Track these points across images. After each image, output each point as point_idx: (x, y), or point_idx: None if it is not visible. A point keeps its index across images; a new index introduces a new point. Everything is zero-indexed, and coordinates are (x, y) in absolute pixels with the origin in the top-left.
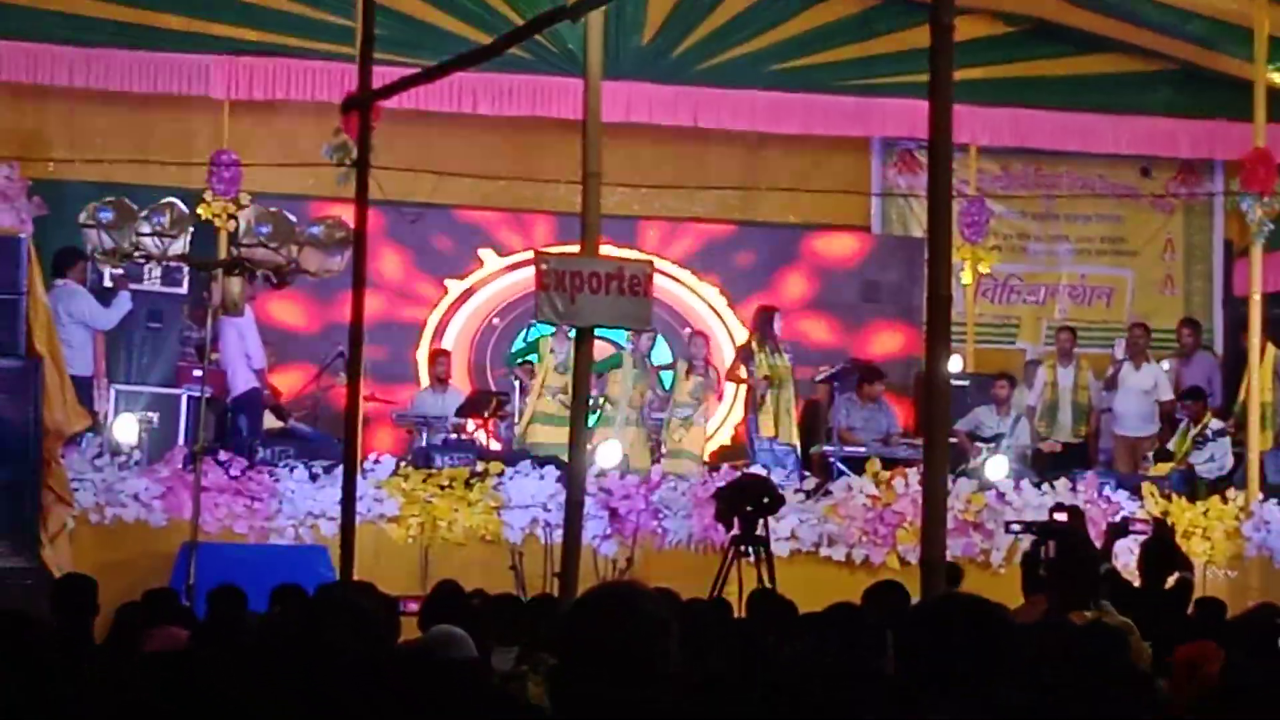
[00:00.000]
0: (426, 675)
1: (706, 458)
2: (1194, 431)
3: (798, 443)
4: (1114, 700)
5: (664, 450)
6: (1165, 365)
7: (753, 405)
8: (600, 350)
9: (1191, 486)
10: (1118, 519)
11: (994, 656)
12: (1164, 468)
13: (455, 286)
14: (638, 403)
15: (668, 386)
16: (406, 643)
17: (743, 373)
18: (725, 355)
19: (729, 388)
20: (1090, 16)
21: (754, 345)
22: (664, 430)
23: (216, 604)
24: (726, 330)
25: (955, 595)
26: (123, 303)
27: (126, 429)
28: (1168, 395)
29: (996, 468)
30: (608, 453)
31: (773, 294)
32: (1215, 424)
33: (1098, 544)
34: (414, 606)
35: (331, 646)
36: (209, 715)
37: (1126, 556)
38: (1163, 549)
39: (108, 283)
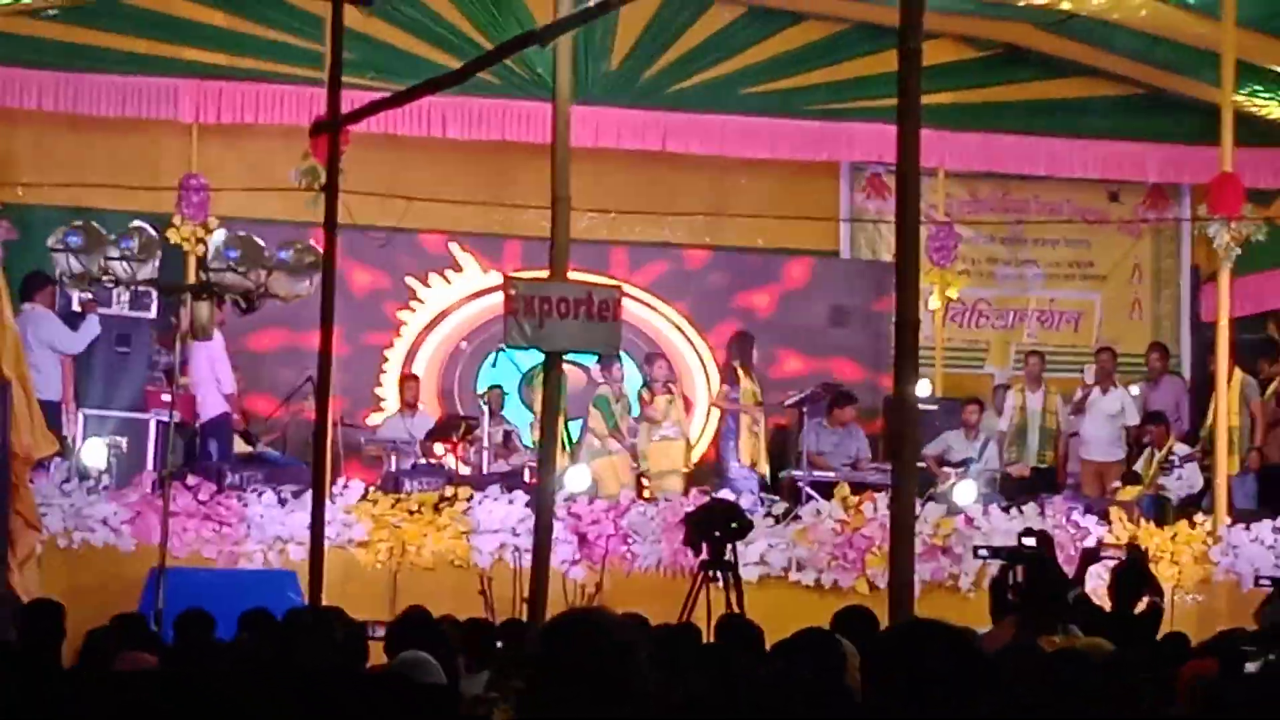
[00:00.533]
0: (395, 698)
1: (687, 469)
2: (1158, 456)
3: (767, 468)
4: None
5: (648, 476)
6: (1134, 390)
7: (729, 431)
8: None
9: (1160, 511)
10: (1091, 544)
11: (964, 680)
12: (1132, 491)
13: (423, 312)
14: (621, 431)
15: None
16: (375, 668)
17: (727, 398)
18: (695, 379)
19: (700, 411)
20: (1058, 41)
21: (738, 370)
22: (641, 458)
23: (184, 628)
24: (696, 354)
25: (922, 620)
26: (91, 326)
27: (95, 453)
28: (1134, 420)
29: (965, 493)
30: (576, 478)
31: (741, 319)
32: (1180, 448)
33: (1069, 569)
34: (382, 631)
35: (301, 669)
36: None
37: (1095, 581)
38: (1135, 573)
39: (76, 307)
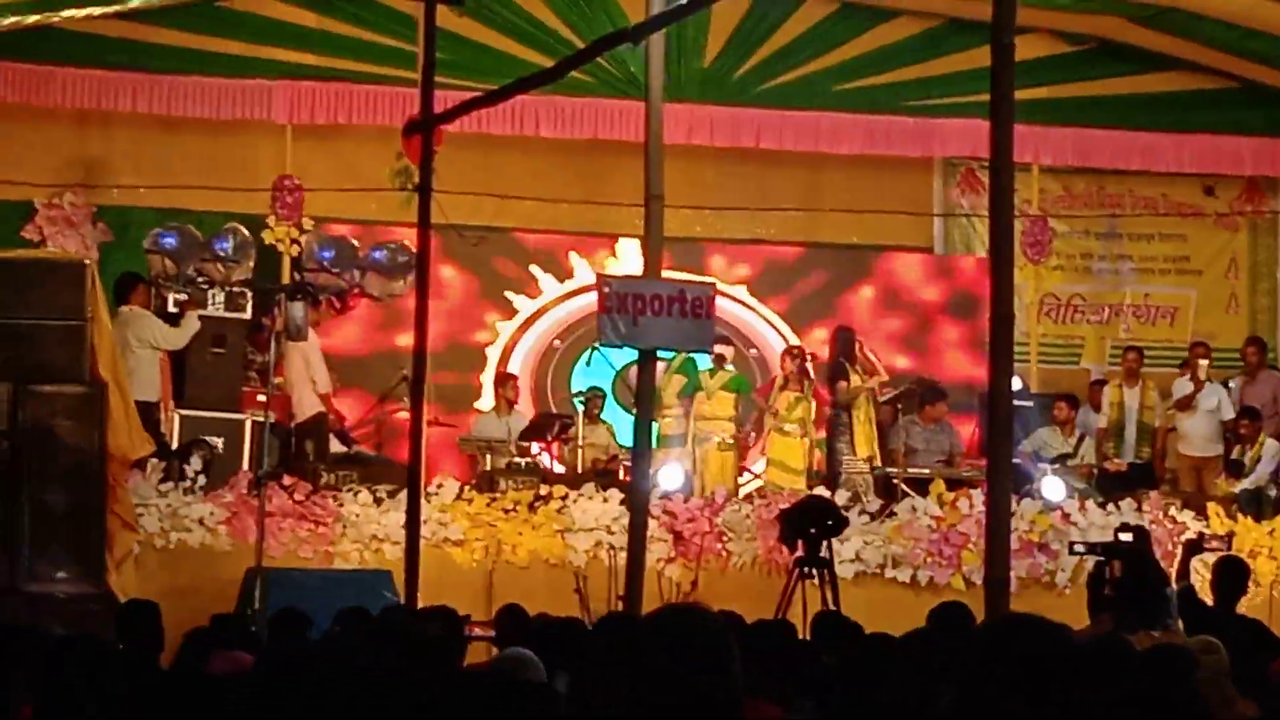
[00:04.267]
0: (493, 697)
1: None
2: (1250, 452)
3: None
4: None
5: (765, 456)
6: (1232, 384)
7: (841, 426)
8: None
9: (1258, 506)
10: (1194, 536)
11: (1060, 675)
12: (1233, 484)
13: (522, 309)
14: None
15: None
16: (474, 666)
17: (842, 394)
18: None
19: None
20: (1152, 35)
21: (845, 365)
22: (764, 438)
23: (280, 628)
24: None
25: (1018, 615)
26: (191, 323)
27: (191, 455)
28: (1230, 415)
29: (1053, 488)
30: (670, 475)
31: (838, 316)
32: (1271, 445)
33: (1168, 563)
34: (476, 631)
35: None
36: None
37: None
38: (1236, 567)
39: (172, 308)
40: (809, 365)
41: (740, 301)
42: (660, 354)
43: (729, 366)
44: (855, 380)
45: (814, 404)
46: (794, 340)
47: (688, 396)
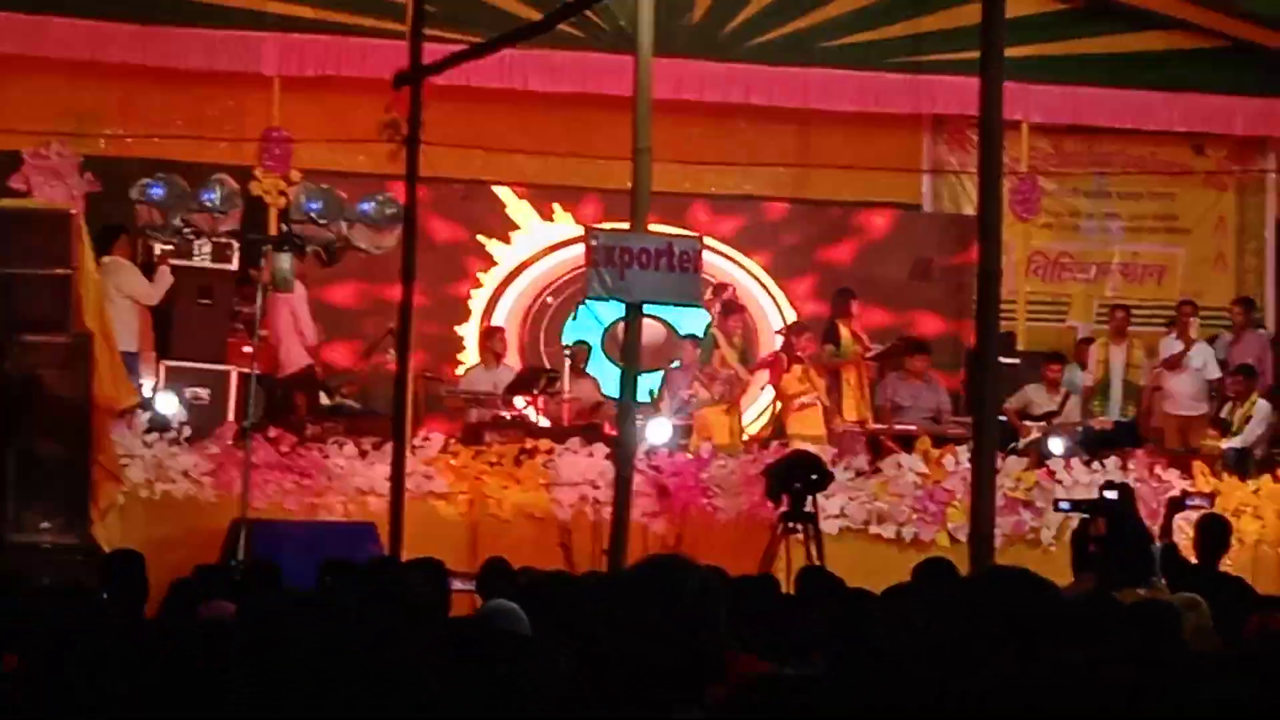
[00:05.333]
0: (474, 646)
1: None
2: (1241, 410)
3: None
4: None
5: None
6: (1216, 343)
7: (831, 388)
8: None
9: (1243, 465)
10: (1177, 494)
11: (1044, 627)
12: (1220, 442)
13: (503, 263)
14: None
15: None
16: (459, 618)
17: (830, 356)
18: (772, 332)
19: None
20: None
21: (838, 326)
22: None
23: (250, 580)
24: (776, 307)
25: (1003, 567)
26: (164, 278)
27: (175, 405)
28: (1215, 374)
29: (1056, 444)
30: (657, 430)
31: (822, 271)
32: (1263, 405)
33: (1152, 521)
34: (458, 584)
35: (379, 616)
36: (259, 680)
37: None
38: (1219, 525)
39: (157, 259)
40: (794, 340)
41: (725, 255)
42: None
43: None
44: (846, 343)
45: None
46: (779, 294)
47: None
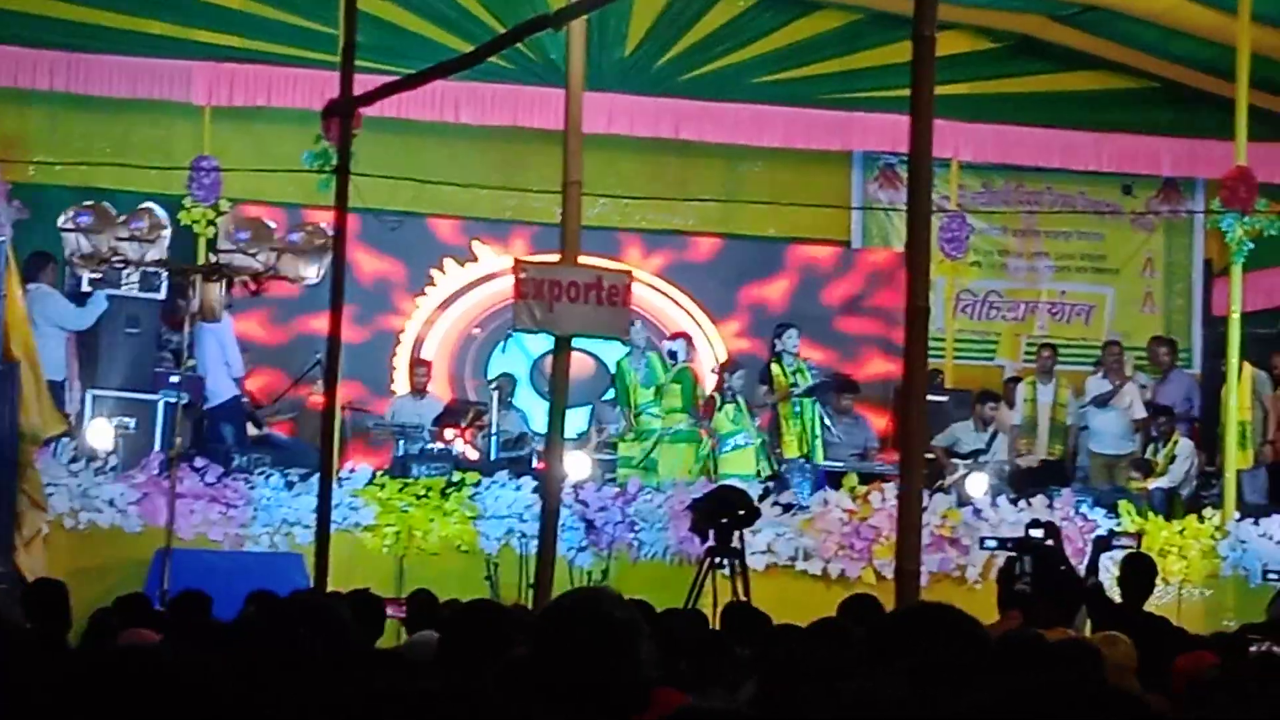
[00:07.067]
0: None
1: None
2: (1165, 450)
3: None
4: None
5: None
6: (1141, 379)
7: (771, 426)
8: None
9: (1169, 505)
10: (1104, 533)
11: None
12: (1147, 482)
13: (432, 296)
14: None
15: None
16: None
17: (760, 396)
18: (704, 366)
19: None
20: (1073, 33)
21: (771, 367)
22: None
23: (180, 609)
24: (708, 342)
25: (928, 604)
26: (98, 303)
27: (102, 434)
28: (1141, 413)
29: (977, 484)
30: (577, 464)
31: (752, 307)
32: (1185, 445)
33: (1078, 560)
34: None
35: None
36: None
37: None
38: (1146, 563)
39: (86, 287)
40: (728, 377)
41: (657, 290)
42: (574, 343)
43: (682, 360)
44: (779, 381)
45: (747, 408)
46: (710, 329)
47: (627, 405)
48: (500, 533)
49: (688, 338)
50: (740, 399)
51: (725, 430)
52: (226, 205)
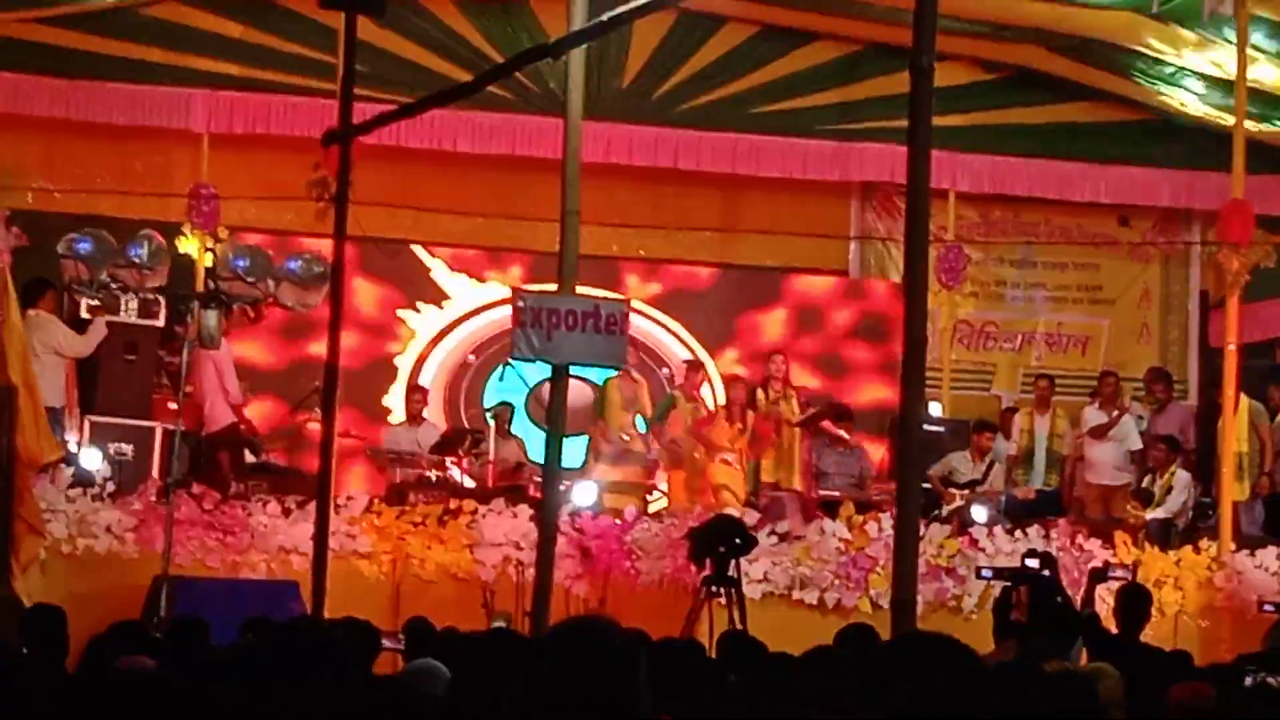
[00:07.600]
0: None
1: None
2: (1162, 481)
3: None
4: None
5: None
6: (1138, 410)
7: (756, 451)
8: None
9: (1165, 536)
10: (1099, 564)
11: (963, 693)
12: (1144, 513)
13: (430, 324)
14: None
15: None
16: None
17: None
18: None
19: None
20: (1071, 65)
21: (757, 391)
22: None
23: (177, 636)
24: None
25: (923, 633)
26: (98, 329)
27: (99, 461)
28: (1137, 444)
29: (980, 512)
30: (582, 492)
31: (747, 338)
32: (1182, 476)
33: (1074, 591)
34: (386, 643)
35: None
36: None
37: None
38: (1140, 595)
39: (85, 314)
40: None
41: (652, 319)
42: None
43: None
44: (762, 406)
45: (749, 433)
46: (705, 358)
47: (602, 418)
48: (497, 560)
49: (692, 364)
50: (746, 422)
51: (720, 442)
52: (225, 232)
